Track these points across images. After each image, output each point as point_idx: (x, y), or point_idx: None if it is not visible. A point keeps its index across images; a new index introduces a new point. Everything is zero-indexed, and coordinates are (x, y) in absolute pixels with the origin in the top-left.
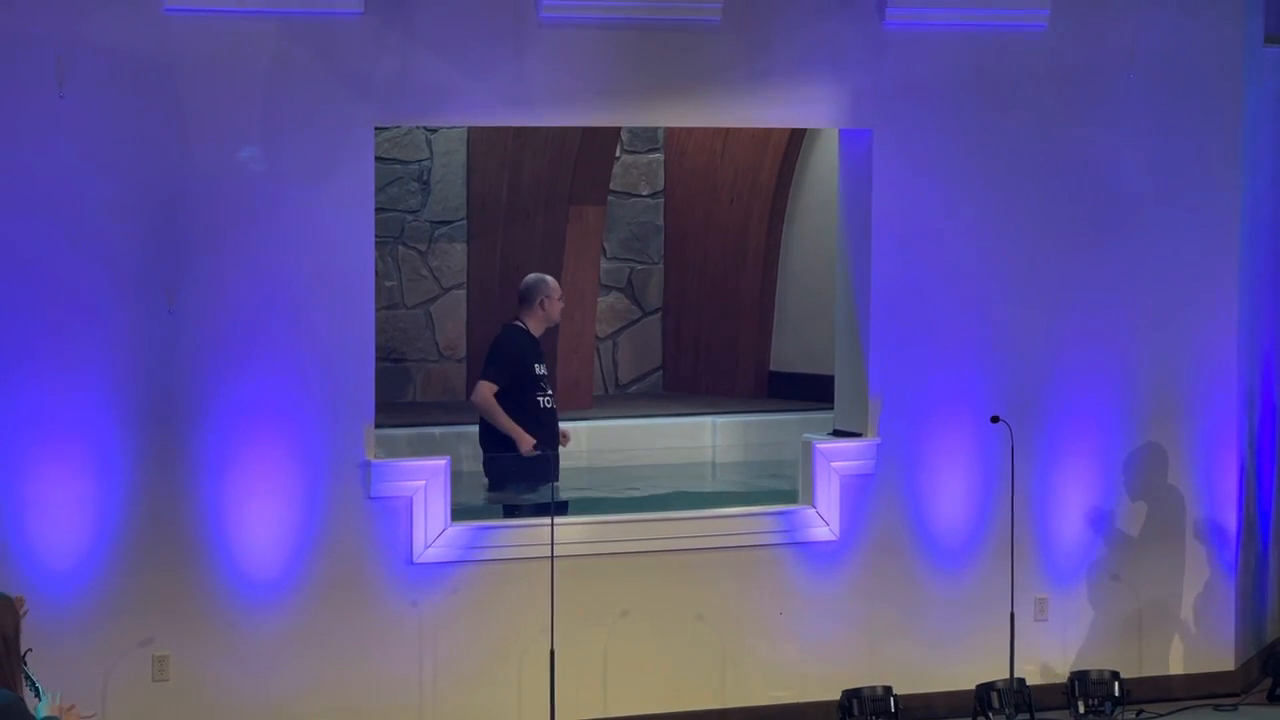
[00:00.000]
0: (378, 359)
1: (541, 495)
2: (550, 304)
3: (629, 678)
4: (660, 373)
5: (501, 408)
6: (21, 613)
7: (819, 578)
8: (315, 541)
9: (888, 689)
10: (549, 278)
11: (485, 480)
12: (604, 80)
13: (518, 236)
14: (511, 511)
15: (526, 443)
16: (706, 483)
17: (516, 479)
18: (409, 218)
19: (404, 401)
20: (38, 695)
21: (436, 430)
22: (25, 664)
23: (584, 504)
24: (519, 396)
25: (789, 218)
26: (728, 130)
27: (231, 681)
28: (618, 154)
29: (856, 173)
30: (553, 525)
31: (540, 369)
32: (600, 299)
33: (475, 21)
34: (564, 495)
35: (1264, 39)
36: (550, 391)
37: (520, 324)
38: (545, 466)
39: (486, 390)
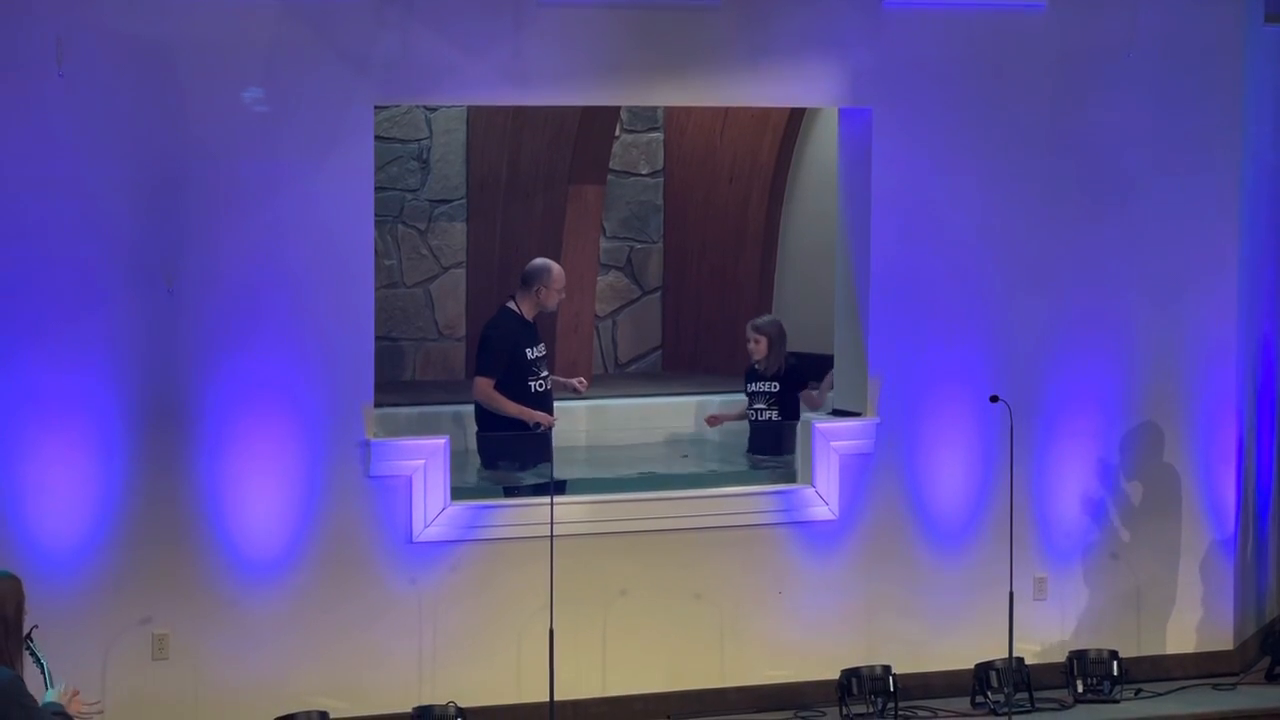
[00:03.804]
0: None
1: (535, 474)
2: (546, 293)
3: (628, 657)
4: (660, 352)
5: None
6: None
7: (818, 557)
8: (315, 521)
9: (886, 668)
10: (555, 267)
11: (479, 459)
12: (603, 59)
13: (517, 215)
14: (511, 491)
15: (541, 419)
16: (706, 462)
17: (510, 457)
18: (408, 197)
19: (403, 380)
20: (42, 670)
21: (436, 409)
22: (32, 641)
23: (583, 483)
24: (511, 384)
25: (788, 197)
26: (727, 110)
27: (231, 660)
28: (617, 133)
29: (856, 152)
30: (552, 504)
31: (534, 352)
32: (600, 278)
33: (475, 0)
34: (561, 475)
35: (1264, 17)
36: (545, 374)
37: (513, 306)
38: (539, 445)
39: (485, 385)
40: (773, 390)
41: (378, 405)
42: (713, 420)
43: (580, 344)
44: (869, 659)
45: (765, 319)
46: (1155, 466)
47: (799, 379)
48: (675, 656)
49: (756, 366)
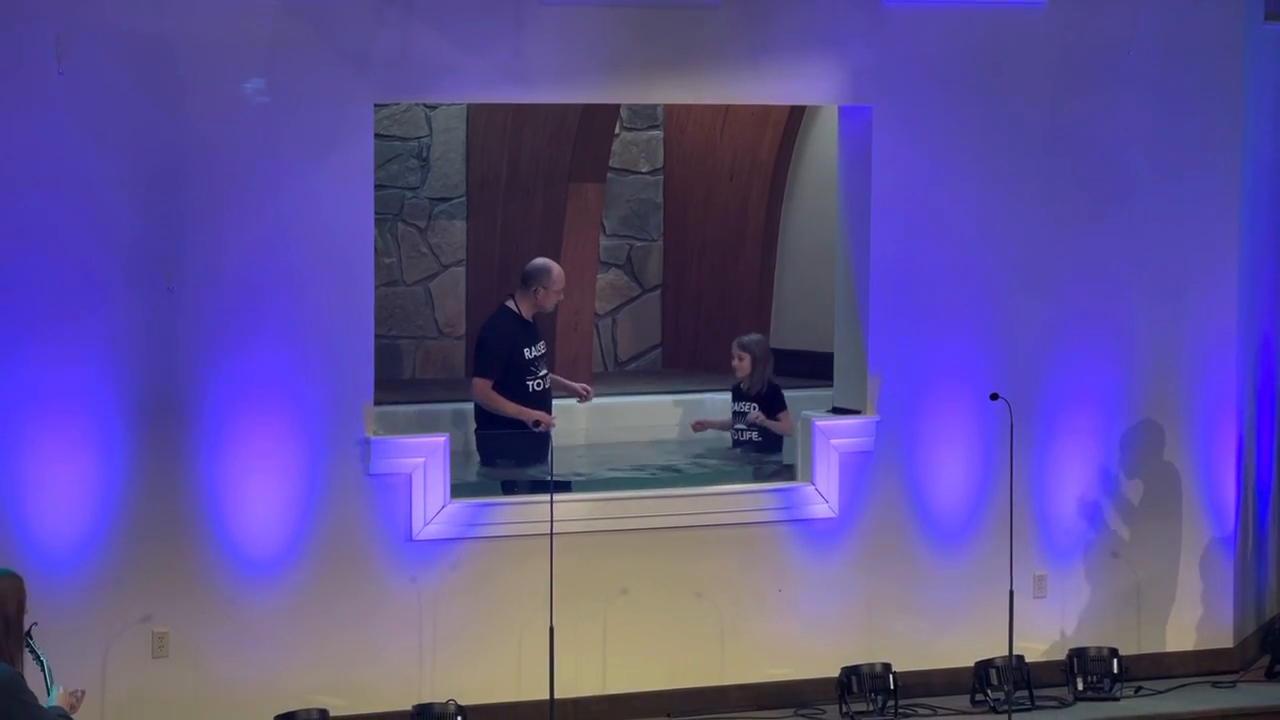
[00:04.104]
0: None
1: (534, 472)
2: (545, 294)
3: (628, 655)
4: (659, 350)
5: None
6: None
7: (818, 555)
8: (315, 518)
9: (886, 666)
10: (555, 268)
11: (478, 456)
12: (604, 57)
13: (517, 213)
14: (511, 487)
15: (541, 418)
16: (705, 460)
17: (509, 456)
18: (408, 195)
19: (403, 379)
20: (42, 668)
21: (436, 407)
22: (31, 638)
23: (582, 481)
24: (509, 384)
25: (788, 195)
26: (727, 108)
27: (231, 658)
28: (617, 131)
29: (856, 150)
30: (552, 502)
31: (532, 352)
32: (600, 276)
33: None
34: (561, 473)
35: (1264, 15)
36: (543, 373)
37: (511, 305)
38: (538, 443)
39: (483, 386)
40: (752, 411)
41: (377, 403)
42: (698, 426)
43: (580, 342)
44: (869, 657)
45: (751, 337)
46: (1155, 465)
47: (777, 404)
48: (675, 654)
49: (740, 385)
